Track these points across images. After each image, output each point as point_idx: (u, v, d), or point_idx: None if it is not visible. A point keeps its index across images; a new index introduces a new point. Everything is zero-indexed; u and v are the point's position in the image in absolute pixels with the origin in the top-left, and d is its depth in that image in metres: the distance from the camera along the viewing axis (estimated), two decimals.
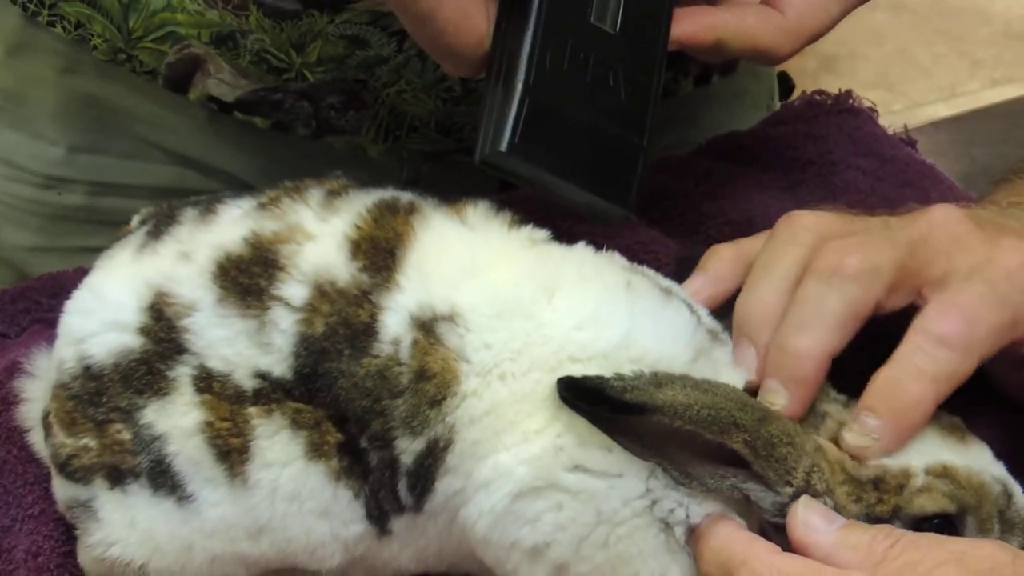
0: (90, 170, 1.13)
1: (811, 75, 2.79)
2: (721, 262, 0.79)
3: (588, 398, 0.66)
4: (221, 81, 1.03)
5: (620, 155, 0.77)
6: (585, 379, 0.66)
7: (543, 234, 0.73)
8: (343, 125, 1.05)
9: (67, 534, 0.76)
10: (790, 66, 2.90)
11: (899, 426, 0.69)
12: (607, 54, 0.76)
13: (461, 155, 1.08)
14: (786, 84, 1.29)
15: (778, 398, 0.71)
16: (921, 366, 0.70)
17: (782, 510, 0.68)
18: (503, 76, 0.74)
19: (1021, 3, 3.11)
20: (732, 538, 0.68)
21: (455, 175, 1.04)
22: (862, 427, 0.70)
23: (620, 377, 0.66)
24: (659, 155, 1.02)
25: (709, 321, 0.73)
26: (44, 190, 1.13)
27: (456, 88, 1.01)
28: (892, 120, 1.08)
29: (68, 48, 1.07)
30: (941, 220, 0.75)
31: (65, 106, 1.11)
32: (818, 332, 0.72)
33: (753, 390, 0.71)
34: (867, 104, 1.07)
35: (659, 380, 0.66)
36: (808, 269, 0.74)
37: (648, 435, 0.66)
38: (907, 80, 2.95)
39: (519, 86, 0.73)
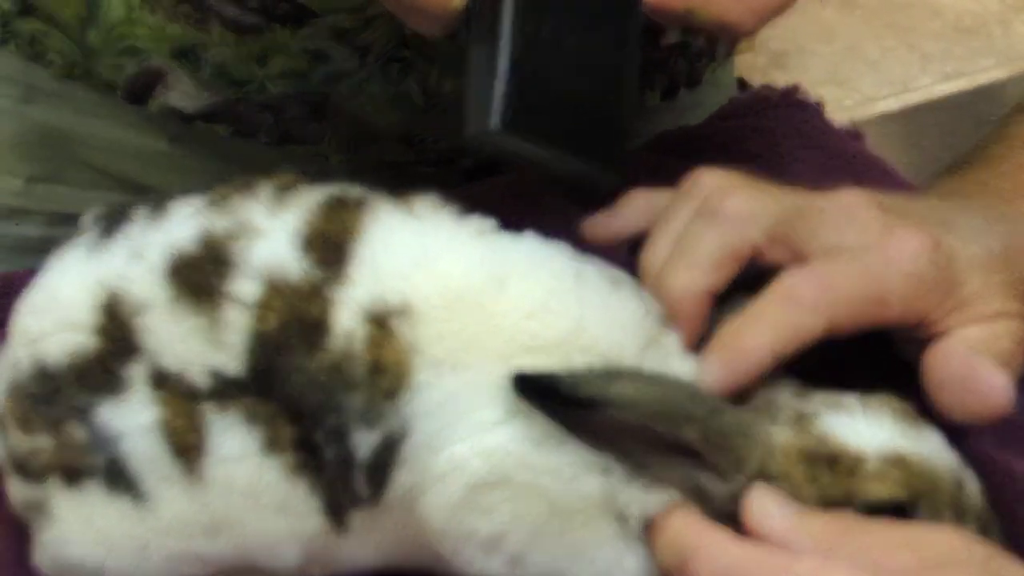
0: (48, 200, 1.12)
1: (761, 71, 2.81)
2: (631, 205, 0.81)
3: (541, 393, 0.67)
4: (182, 93, 1.03)
5: (607, 122, 0.77)
6: (538, 375, 0.67)
7: (491, 224, 0.74)
8: (305, 135, 1.05)
9: (23, 534, 0.76)
10: (741, 63, 2.92)
11: (735, 368, 0.71)
12: (587, 18, 0.75)
13: (423, 166, 1.09)
14: (744, 89, 1.30)
15: None
16: (765, 315, 0.72)
17: (736, 498, 0.68)
18: (486, 41, 0.73)
19: (976, 4, 3.14)
20: (686, 526, 0.69)
21: (418, 185, 1.04)
22: (703, 365, 0.71)
23: (572, 373, 0.67)
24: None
25: (658, 309, 0.74)
26: (2, 221, 1.12)
27: (419, 101, 1.00)
28: (845, 115, 1.09)
29: (24, 73, 1.06)
30: (845, 199, 0.76)
31: (23, 136, 1.11)
32: (693, 270, 0.74)
33: None
34: (813, 98, 1.08)
35: (611, 375, 0.67)
36: (693, 214, 0.76)
37: (601, 429, 0.67)
38: (858, 75, 2.97)
39: (504, 55, 0.72)
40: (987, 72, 2.68)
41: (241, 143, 1.06)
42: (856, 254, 0.74)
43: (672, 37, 1.05)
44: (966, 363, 0.74)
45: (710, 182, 0.78)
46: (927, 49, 3.01)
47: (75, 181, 1.12)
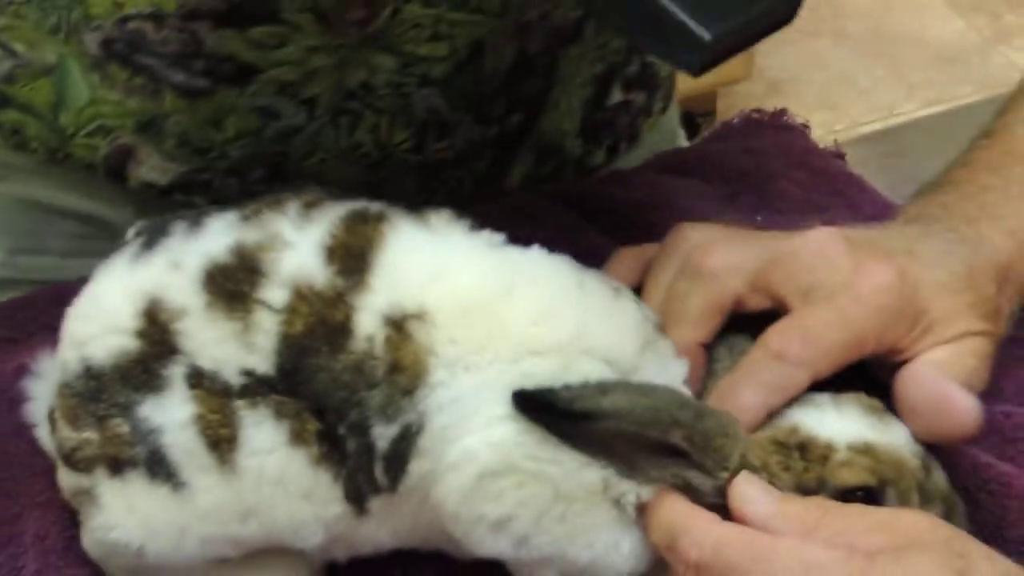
0: (30, 270, 1.09)
1: (759, 98, 2.81)
2: (620, 263, 0.82)
3: (540, 408, 0.68)
4: (152, 167, 1.00)
5: None
6: (536, 391, 0.68)
7: (500, 238, 0.74)
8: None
9: (71, 520, 0.77)
10: (739, 90, 2.92)
11: None
12: None
13: None
14: (692, 122, 1.28)
15: None
16: (756, 375, 0.73)
17: (720, 492, 0.69)
18: None
19: (952, 29, 3.13)
20: (676, 510, 0.69)
21: None
22: None
23: (568, 387, 0.68)
24: (608, 170, 1.04)
25: (654, 316, 0.75)
26: None
27: (373, 152, 0.98)
28: (835, 138, 1.09)
29: (8, 156, 1.04)
30: (815, 239, 0.77)
31: (5, 211, 1.09)
32: (681, 327, 0.75)
33: None
34: (800, 121, 1.08)
35: (604, 388, 0.68)
36: (680, 270, 0.77)
37: (596, 437, 0.68)
38: (848, 102, 2.97)
39: None
40: (967, 98, 2.68)
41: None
42: (831, 296, 0.75)
43: (615, 97, 1.04)
44: (936, 389, 0.74)
45: (692, 237, 0.79)
46: (912, 78, 3.01)
47: (57, 250, 1.10)
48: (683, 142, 1.23)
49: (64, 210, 1.08)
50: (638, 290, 0.80)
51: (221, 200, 0.96)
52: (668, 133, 1.16)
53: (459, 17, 0.89)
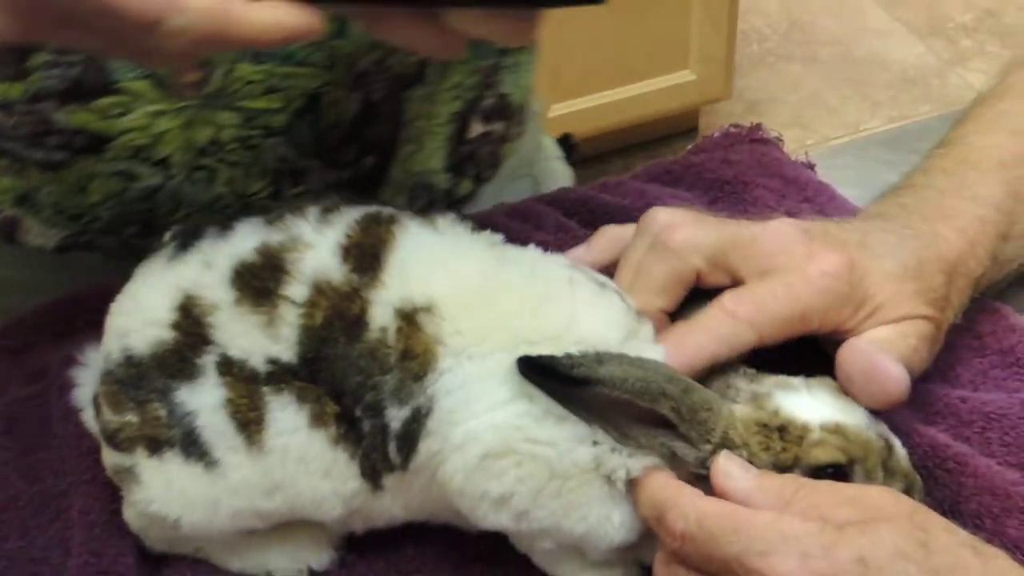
0: None
1: (737, 116, 2.81)
2: (602, 238, 0.82)
3: (542, 373, 0.68)
4: (37, 234, 0.98)
5: None
6: (539, 358, 0.67)
7: (499, 238, 0.74)
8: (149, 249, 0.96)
9: (114, 495, 0.77)
10: (719, 109, 2.93)
11: (675, 359, 0.72)
12: None
13: None
14: (568, 143, 1.26)
15: None
16: (708, 326, 0.73)
17: (704, 463, 0.69)
18: None
19: (913, 54, 3.13)
20: (663, 486, 0.69)
21: None
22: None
23: (569, 356, 0.67)
24: (602, 180, 1.04)
25: (635, 306, 0.75)
26: None
27: (234, 204, 0.95)
28: (807, 152, 1.09)
29: None
30: (775, 228, 0.78)
31: None
32: (646, 295, 0.76)
33: None
34: (774, 135, 1.08)
35: (601, 358, 0.68)
36: (647, 247, 0.77)
37: (592, 403, 0.68)
38: (819, 120, 2.97)
39: None
40: (926, 115, 2.68)
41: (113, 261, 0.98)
42: (783, 276, 0.75)
43: (475, 130, 1.03)
44: (868, 358, 0.74)
45: (661, 218, 0.79)
46: (877, 97, 3.01)
47: None
48: (551, 161, 1.21)
49: None
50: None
51: (111, 255, 0.97)
52: (521, 151, 1.13)
53: (288, 71, 0.87)
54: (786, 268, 0.75)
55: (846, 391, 0.73)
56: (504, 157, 1.07)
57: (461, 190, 1.04)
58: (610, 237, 0.82)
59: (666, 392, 0.68)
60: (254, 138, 0.90)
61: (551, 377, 0.68)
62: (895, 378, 0.74)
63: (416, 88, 0.96)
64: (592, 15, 2.46)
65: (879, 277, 0.77)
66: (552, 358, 0.67)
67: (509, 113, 1.05)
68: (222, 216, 0.90)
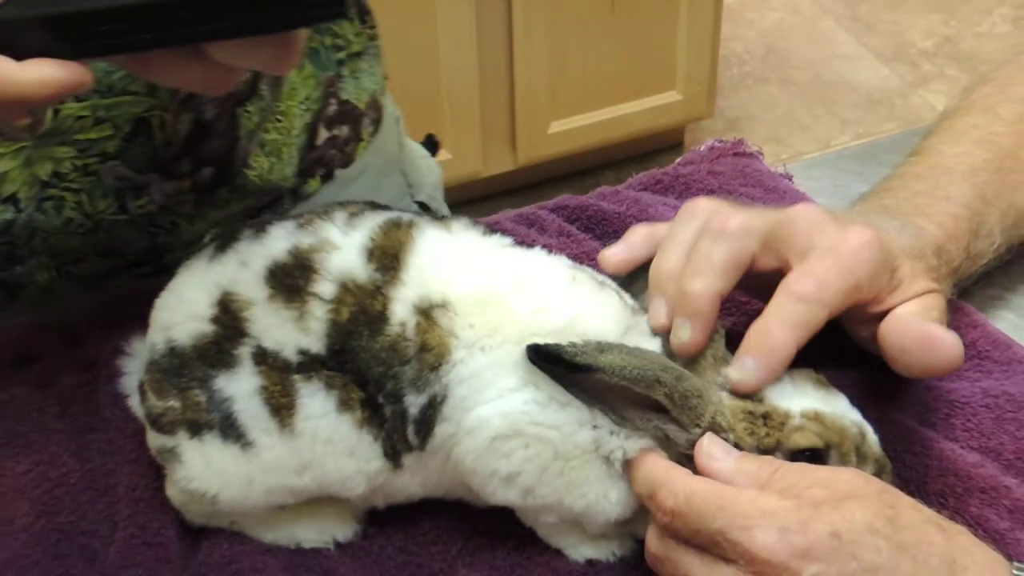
0: None
1: (719, 133, 2.81)
2: (637, 236, 0.80)
3: (549, 360, 0.67)
4: None
5: None
6: (546, 346, 0.67)
7: (508, 241, 0.74)
8: (19, 278, 0.93)
9: (157, 474, 0.77)
10: (703, 126, 2.93)
11: (769, 363, 0.70)
12: None
13: (131, 269, 0.98)
14: (431, 141, 1.24)
15: (683, 332, 0.71)
16: (784, 316, 0.71)
17: (692, 445, 0.69)
18: None
19: (879, 76, 3.13)
20: (656, 466, 0.69)
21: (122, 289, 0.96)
22: (742, 365, 0.70)
23: (573, 344, 0.67)
24: (599, 189, 1.03)
25: (632, 302, 0.74)
26: None
27: (86, 223, 0.91)
28: (781, 165, 1.08)
29: None
30: (804, 211, 0.76)
31: None
32: (708, 276, 0.72)
33: (666, 333, 0.73)
34: (755, 149, 1.08)
35: (602, 347, 0.68)
36: (701, 232, 0.75)
37: (593, 388, 0.68)
38: (793, 136, 2.97)
39: None
40: (890, 132, 2.68)
41: None
42: (830, 252, 0.73)
43: (322, 136, 1.02)
44: (921, 329, 0.73)
45: (707, 206, 0.77)
46: (846, 116, 3.01)
47: None
48: (418, 160, 1.19)
49: None
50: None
51: None
52: (385, 150, 1.12)
53: (111, 101, 0.86)
54: (825, 245, 0.73)
55: (898, 363, 0.72)
56: (356, 156, 1.05)
57: (308, 188, 1.03)
58: (645, 235, 0.79)
59: (660, 379, 0.67)
60: (91, 165, 0.88)
61: (557, 364, 0.67)
62: (951, 344, 0.72)
63: (249, 103, 0.94)
64: (588, 42, 2.46)
65: (898, 251, 0.76)
66: (558, 346, 0.67)
67: (353, 118, 1.04)
68: (79, 237, 0.90)
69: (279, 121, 0.98)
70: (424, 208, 1.16)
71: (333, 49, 1.01)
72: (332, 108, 1.02)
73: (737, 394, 0.70)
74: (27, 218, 0.88)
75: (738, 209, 0.76)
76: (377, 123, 1.08)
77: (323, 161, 1.03)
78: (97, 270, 0.95)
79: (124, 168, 0.89)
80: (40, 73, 0.56)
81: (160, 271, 0.96)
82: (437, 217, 0.74)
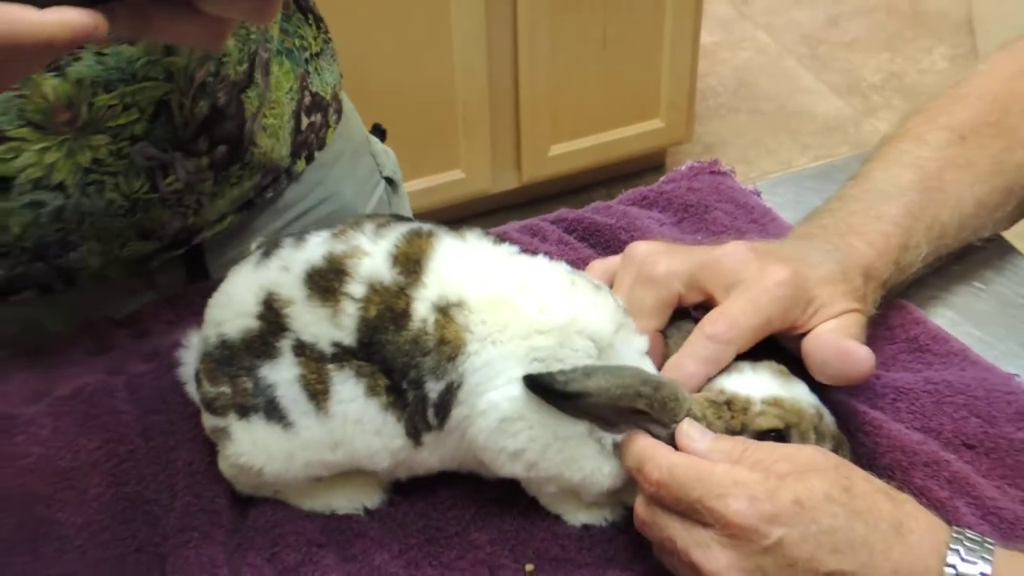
0: None
1: (696, 155, 2.81)
2: (592, 272, 0.81)
3: (542, 390, 0.68)
4: None
5: None
6: (540, 376, 0.67)
7: (515, 249, 0.74)
8: (73, 264, 0.92)
9: (211, 450, 0.77)
10: (682, 150, 2.93)
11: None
12: None
13: (166, 252, 0.96)
14: (379, 129, 1.25)
15: None
16: (696, 353, 0.72)
17: (671, 438, 0.69)
18: None
19: (834, 107, 3.13)
20: (643, 443, 0.69)
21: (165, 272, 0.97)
22: None
23: (562, 372, 0.67)
24: (593, 204, 1.03)
25: (623, 304, 0.74)
26: None
27: (125, 203, 0.90)
28: (750, 184, 1.08)
29: None
30: (731, 250, 0.76)
31: None
32: (641, 319, 0.74)
33: None
34: (728, 169, 1.08)
35: (588, 372, 0.67)
36: (635, 277, 0.76)
37: (583, 407, 0.68)
38: (760, 158, 2.97)
39: None
40: (845, 155, 2.68)
41: (43, 300, 0.94)
42: (745, 291, 0.74)
43: (304, 123, 1.04)
44: (837, 344, 0.73)
45: (642, 252, 0.78)
46: (806, 141, 3.00)
47: None
48: (377, 145, 1.20)
49: None
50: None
51: (41, 288, 0.92)
52: (355, 137, 1.14)
53: (135, 88, 0.85)
54: (746, 282, 0.74)
55: (819, 375, 0.72)
56: (328, 141, 1.07)
57: (297, 168, 1.04)
58: (599, 270, 0.80)
59: (641, 392, 0.68)
60: (124, 148, 0.88)
61: (549, 393, 0.67)
62: (864, 356, 0.73)
63: (248, 90, 0.95)
64: (583, 77, 2.45)
65: (816, 282, 0.76)
66: (550, 375, 0.67)
67: (322, 107, 1.06)
68: (121, 219, 0.90)
69: (273, 108, 0.99)
70: (389, 182, 1.19)
71: (301, 49, 1.03)
72: (307, 99, 1.04)
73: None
74: (75, 203, 0.87)
75: (668, 253, 0.77)
76: (339, 112, 1.10)
77: (306, 144, 1.05)
78: (140, 252, 0.94)
79: (151, 147, 0.89)
80: (60, 17, 0.55)
81: (192, 252, 0.98)
82: (454, 229, 0.74)
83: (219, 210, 0.98)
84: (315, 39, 1.06)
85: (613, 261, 0.80)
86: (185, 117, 0.90)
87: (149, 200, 0.91)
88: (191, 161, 0.92)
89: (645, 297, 0.75)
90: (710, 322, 0.73)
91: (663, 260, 0.76)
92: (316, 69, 1.06)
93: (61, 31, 0.55)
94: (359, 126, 1.17)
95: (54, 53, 0.58)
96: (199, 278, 1.00)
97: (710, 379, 0.72)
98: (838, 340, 0.73)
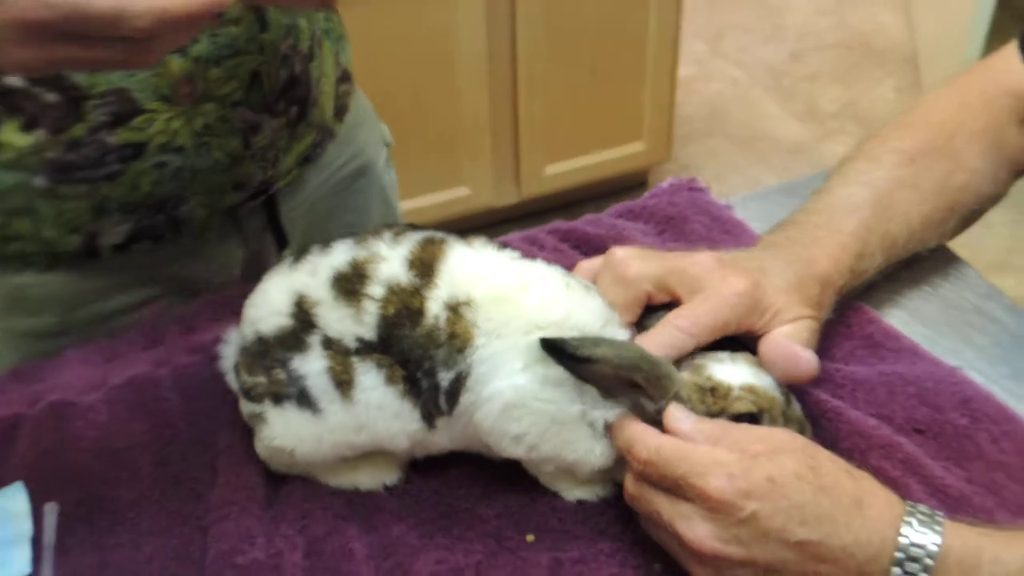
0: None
1: (676, 174, 2.79)
2: (579, 272, 0.80)
3: (556, 350, 0.67)
4: (110, 235, 0.93)
5: None
6: (555, 339, 0.67)
7: (516, 254, 0.73)
8: (183, 215, 0.95)
9: (248, 433, 0.77)
10: (663, 168, 2.92)
11: None
12: None
13: (251, 200, 1.00)
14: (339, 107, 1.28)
15: None
16: (660, 339, 0.72)
17: (660, 412, 0.69)
18: None
19: (795, 132, 3.12)
20: (631, 426, 0.69)
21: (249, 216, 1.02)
22: None
23: (575, 339, 0.67)
24: (584, 217, 1.03)
25: (610, 303, 0.74)
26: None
27: (226, 160, 0.94)
28: (726, 199, 1.08)
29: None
30: (699, 259, 0.77)
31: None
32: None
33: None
34: (704, 186, 1.08)
35: (596, 342, 0.68)
36: (610, 279, 0.77)
37: (588, 372, 0.68)
38: (731, 177, 2.96)
39: None
40: (805, 175, 2.68)
41: (164, 247, 0.97)
42: (707, 297, 0.74)
43: (339, 91, 1.09)
44: (786, 348, 0.73)
45: (617, 255, 0.78)
46: (771, 162, 3.00)
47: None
48: (373, 110, 1.23)
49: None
50: None
51: (155, 238, 0.95)
52: (365, 106, 1.18)
53: (236, 62, 0.91)
54: (708, 289, 0.74)
55: (772, 373, 0.72)
56: (350, 107, 1.13)
57: (336, 128, 1.09)
58: (585, 270, 0.81)
59: (640, 366, 0.68)
60: (227, 113, 0.93)
61: (562, 355, 0.67)
62: (808, 359, 0.73)
63: (313, 61, 1.02)
64: (575, 104, 2.46)
65: (774, 291, 0.76)
66: (563, 340, 0.67)
67: (348, 78, 1.11)
68: (222, 174, 0.95)
69: (324, 76, 1.04)
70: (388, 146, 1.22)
71: (334, 30, 1.08)
72: (340, 70, 1.09)
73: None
74: (190, 163, 0.92)
75: (641, 258, 0.77)
76: (352, 84, 1.15)
77: (340, 108, 1.09)
78: (233, 202, 0.98)
79: (247, 111, 0.94)
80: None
81: (269, 200, 1.03)
82: (462, 237, 0.74)
83: (288, 164, 1.02)
84: (339, 23, 1.10)
85: (597, 262, 0.81)
86: (272, 84, 0.95)
87: (242, 156, 0.96)
88: (275, 121, 0.97)
89: (618, 295, 0.75)
90: (676, 316, 0.73)
91: (635, 264, 0.76)
92: (343, 48, 1.10)
93: (204, 5, 0.59)
94: (365, 98, 1.22)
95: (196, 29, 0.61)
96: (275, 223, 1.04)
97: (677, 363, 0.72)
98: (788, 345, 0.73)
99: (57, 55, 0.60)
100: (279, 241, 1.05)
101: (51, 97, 0.83)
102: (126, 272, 0.97)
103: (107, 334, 0.93)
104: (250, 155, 0.96)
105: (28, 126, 0.83)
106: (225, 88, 0.91)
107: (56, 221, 0.90)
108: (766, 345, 0.74)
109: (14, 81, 0.81)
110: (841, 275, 0.81)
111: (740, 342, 0.75)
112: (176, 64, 0.87)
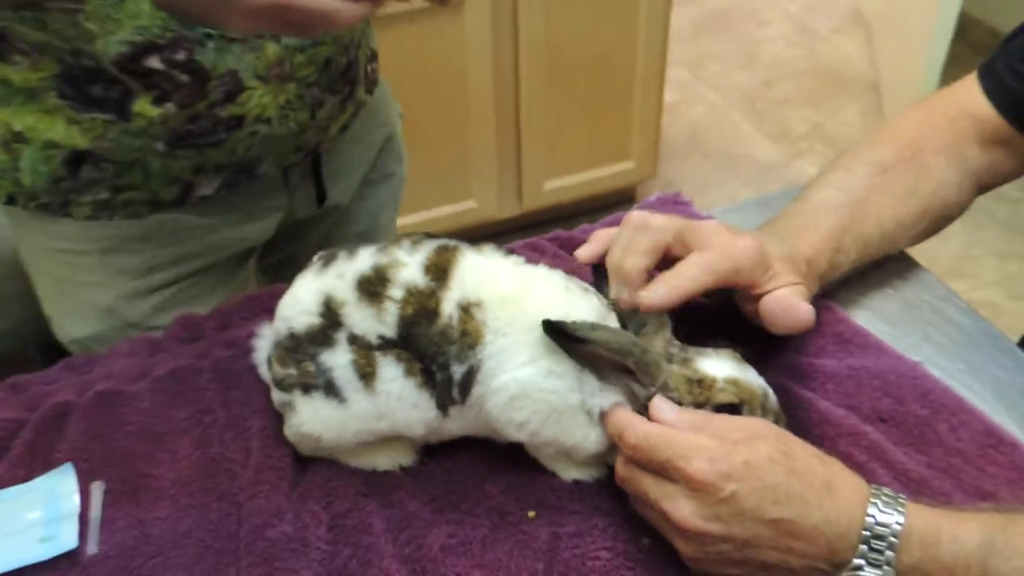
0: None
1: (660, 189, 2.79)
2: (598, 237, 0.80)
3: (556, 332, 0.67)
4: (204, 187, 1.00)
5: None
6: (556, 322, 0.67)
7: (521, 259, 0.73)
8: (259, 173, 1.02)
9: (278, 420, 0.77)
10: (650, 184, 2.90)
11: (669, 291, 0.72)
12: None
13: (304, 158, 1.06)
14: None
15: (621, 293, 0.73)
16: (685, 269, 0.73)
17: (649, 399, 0.69)
18: None
19: (768, 152, 3.12)
20: (622, 415, 0.69)
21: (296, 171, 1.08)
22: (653, 291, 0.72)
23: (574, 323, 0.67)
24: (581, 226, 1.02)
25: (605, 303, 0.73)
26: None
27: (296, 128, 0.99)
28: (707, 211, 1.08)
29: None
30: (712, 222, 0.77)
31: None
32: (634, 256, 0.74)
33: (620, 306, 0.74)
34: (687, 200, 1.07)
35: (594, 326, 0.67)
36: (632, 229, 0.77)
37: (584, 354, 0.68)
38: (711, 192, 2.96)
39: None
40: (777, 190, 2.68)
41: (240, 193, 1.03)
42: (722, 247, 0.75)
43: (370, 68, 1.13)
44: (787, 300, 0.75)
45: (640, 213, 0.78)
46: (746, 179, 3.00)
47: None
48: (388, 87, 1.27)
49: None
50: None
51: (230, 186, 1.01)
52: (383, 82, 1.23)
53: (315, 49, 0.96)
54: (721, 244, 0.75)
55: (772, 324, 0.74)
56: (378, 81, 1.18)
57: (367, 101, 1.14)
58: (602, 236, 0.80)
59: (631, 352, 0.67)
60: (302, 92, 0.98)
61: (562, 335, 0.67)
62: (806, 310, 0.75)
63: (361, 47, 1.08)
64: (571, 126, 2.46)
65: (775, 256, 0.77)
66: (564, 323, 0.67)
67: (375, 59, 1.16)
68: (293, 139, 1.00)
69: (363, 58, 1.10)
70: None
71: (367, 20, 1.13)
72: (370, 52, 1.14)
73: (648, 312, 0.72)
74: (274, 132, 0.97)
75: (660, 214, 0.78)
76: (378, 63, 1.19)
77: (369, 83, 1.14)
78: (293, 161, 1.04)
79: (316, 90, 0.99)
80: (360, 10, 0.64)
81: (316, 160, 1.09)
82: (473, 244, 0.74)
83: (333, 132, 1.07)
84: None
85: (613, 229, 0.80)
86: (338, 67, 1.01)
87: (308, 126, 1.01)
88: (334, 98, 1.03)
89: (641, 240, 0.75)
90: (698, 254, 0.74)
91: (658, 216, 0.77)
92: (370, 32, 1.14)
93: (350, 13, 0.64)
94: (384, 78, 1.26)
95: (334, 27, 0.65)
96: (318, 177, 1.11)
97: (687, 297, 0.72)
98: (788, 297, 0.75)
99: (273, 29, 0.65)
100: (319, 193, 1.12)
101: (184, 78, 0.88)
102: (210, 215, 1.02)
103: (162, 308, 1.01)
104: (313, 125, 1.01)
105: (159, 100, 0.89)
106: (305, 71, 0.96)
107: (162, 174, 0.96)
108: (768, 300, 0.75)
109: (156, 64, 0.86)
110: (822, 262, 0.82)
111: (725, 337, 0.75)
112: (271, 49, 0.92)
